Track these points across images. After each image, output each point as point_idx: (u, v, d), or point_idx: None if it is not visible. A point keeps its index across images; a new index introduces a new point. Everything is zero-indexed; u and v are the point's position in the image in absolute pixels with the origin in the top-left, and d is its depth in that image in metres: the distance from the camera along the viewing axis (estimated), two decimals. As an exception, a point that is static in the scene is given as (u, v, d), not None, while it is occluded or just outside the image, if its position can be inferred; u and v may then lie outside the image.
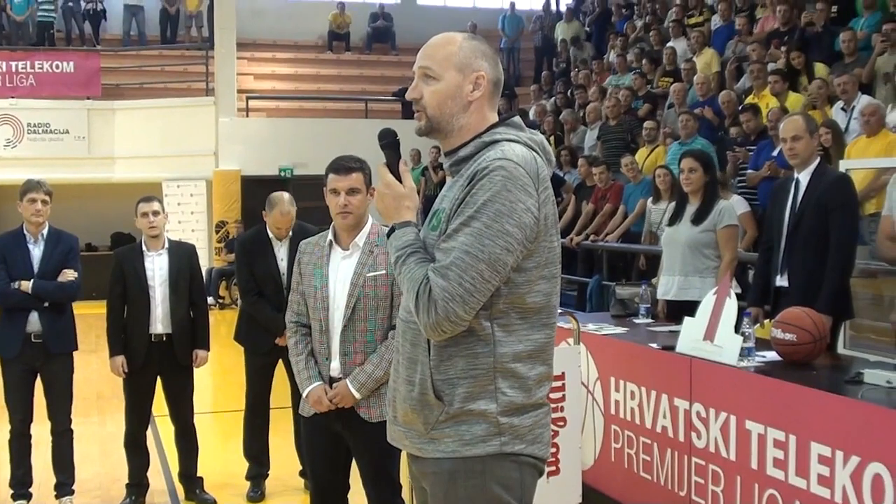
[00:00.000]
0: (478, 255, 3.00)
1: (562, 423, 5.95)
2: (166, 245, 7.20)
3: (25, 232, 6.99)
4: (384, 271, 4.86)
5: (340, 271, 4.98)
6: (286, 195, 7.39)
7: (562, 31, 24.04)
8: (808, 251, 6.44)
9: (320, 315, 4.97)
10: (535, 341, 3.21)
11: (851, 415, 4.61)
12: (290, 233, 7.32)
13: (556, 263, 3.26)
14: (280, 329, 6.95)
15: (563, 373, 5.93)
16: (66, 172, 18.79)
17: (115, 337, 7.16)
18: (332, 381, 4.95)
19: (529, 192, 3.08)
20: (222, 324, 18.46)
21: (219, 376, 12.73)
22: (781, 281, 6.68)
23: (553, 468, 5.89)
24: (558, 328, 5.92)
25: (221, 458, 8.30)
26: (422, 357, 3.21)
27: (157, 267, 7.13)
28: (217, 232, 21.48)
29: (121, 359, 7.07)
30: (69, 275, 6.96)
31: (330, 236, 5.06)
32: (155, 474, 7.58)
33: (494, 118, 3.31)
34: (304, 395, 5.04)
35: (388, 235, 3.27)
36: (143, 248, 7.15)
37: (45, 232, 7.02)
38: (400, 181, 3.31)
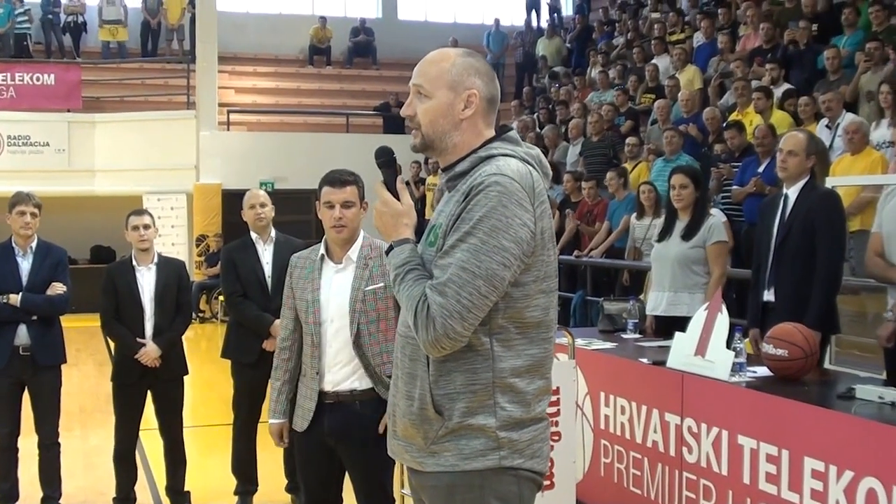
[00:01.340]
0: (475, 271, 3.02)
1: (556, 438, 5.95)
2: (155, 260, 7.18)
3: (14, 245, 6.96)
4: (382, 283, 4.86)
5: (334, 285, 4.98)
6: (258, 189, 7.56)
7: (543, 48, 24.10)
8: (796, 266, 6.47)
9: (312, 329, 4.97)
10: (534, 356, 3.23)
11: (845, 430, 4.63)
12: (273, 235, 7.35)
13: (553, 277, 3.27)
14: (266, 329, 6.96)
15: (558, 387, 5.93)
16: (47, 185, 18.65)
17: (128, 336, 7.06)
18: (322, 394, 4.94)
19: (525, 206, 3.09)
20: (203, 338, 18.46)
21: (200, 390, 12.68)
22: (769, 296, 6.70)
23: (548, 482, 5.88)
24: (551, 343, 5.94)
25: (207, 473, 8.26)
26: (421, 372, 3.22)
27: (146, 282, 7.10)
28: (197, 246, 21.41)
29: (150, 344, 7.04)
30: (58, 288, 6.93)
31: (322, 250, 5.04)
32: (142, 489, 7.52)
33: (490, 133, 3.31)
34: (270, 421, 5.12)
35: (387, 253, 3.28)
36: (134, 262, 7.13)
37: (33, 245, 7.00)
38: (397, 199, 3.32)
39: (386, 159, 3.39)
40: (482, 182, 3.09)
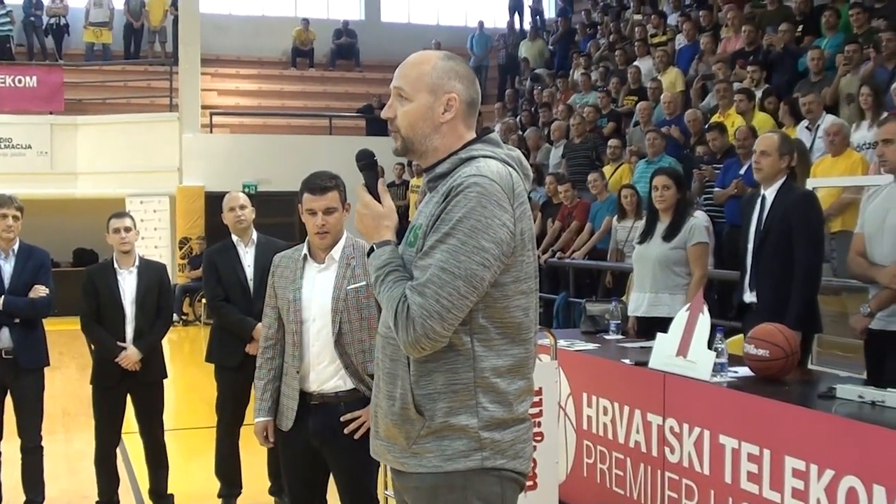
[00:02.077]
0: (454, 271, 3.02)
1: (539, 438, 5.96)
2: (137, 263, 7.17)
3: (-4, 247, 6.95)
4: (364, 282, 4.86)
5: (316, 284, 4.99)
6: (238, 192, 7.55)
7: (525, 50, 24.12)
8: (775, 267, 6.50)
9: (294, 328, 4.97)
10: (515, 356, 3.23)
11: (826, 429, 4.65)
12: (255, 237, 7.35)
13: (533, 278, 3.28)
14: (249, 332, 6.95)
15: (540, 388, 5.95)
16: (29, 188, 18.60)
17: (108, 339, 7.06)
18: (305, 395, 4.95)
19: (504, 207, 3.10)
20: (186, 340, 18.44)
21: (182, 393, 12.68)
22: (750, 297, 6.74)
23: (531, 483, 5.89)
24: (534, 344, 5.95)
25: (189, 476, 8.24)
26: (402, 372, 3.22)
27: (127, 285, 7.09)
28: (181, 248, 21.40)
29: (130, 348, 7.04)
30: (41, 291, 6.91)
31: (305, 250, 5.05)
32: (124, 492, 7.50)
33: (471, 136, 3.32)
34: (255, 419, 5.12)
35: (368, 255, 3.30)
36: (115, 265, 7.12)
37: (15, 247, 6.97)
38: (379, 201, 3.34)
39: (367, 161, 3.41)
40: (462, 183, 3.10)
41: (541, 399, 5.98)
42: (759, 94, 12.91)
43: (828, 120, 10.72)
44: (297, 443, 5.01)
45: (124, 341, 7.04)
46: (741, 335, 6.41)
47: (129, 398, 7.20)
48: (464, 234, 3.04)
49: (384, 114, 3.35)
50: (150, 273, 7.22)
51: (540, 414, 5.98)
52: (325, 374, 4.94)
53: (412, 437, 3.21)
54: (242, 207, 7.29)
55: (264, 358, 5.15)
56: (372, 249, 3.29)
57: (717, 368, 5.52)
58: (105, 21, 25.51)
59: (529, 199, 3.32)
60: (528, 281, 3.24)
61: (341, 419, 4.89)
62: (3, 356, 6.88)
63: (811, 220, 6.52)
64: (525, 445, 3.31)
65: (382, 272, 3.20)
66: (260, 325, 5.40)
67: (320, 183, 4.93)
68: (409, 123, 3.27)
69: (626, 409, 6.21)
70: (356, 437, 4.83)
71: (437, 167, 3.29)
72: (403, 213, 17.26)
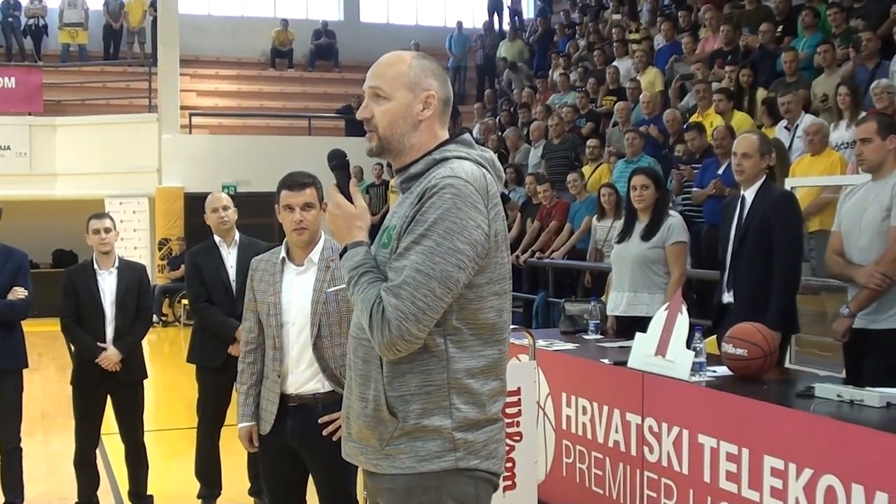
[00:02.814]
0: (429, 272, 3.02)
1: (518, 438, 5.98)
2: (116, 263, 7.15)
3: (-27, 249, 6.92)
4: (344, 285, 4.85)
5: (295, 287, 4.97)
6: (219, 192, 7.56)
7: (505, 50, 24.12)
8: (753, 268, 6.51)
9: (274, 332, 4.96)
10: (489, 357, 3.23)
11: (804, 428, 4.67)
12: (237, 238, 7.34)
13: (507, 279, 3.29)
14: (231, 334, 6.93)
15: (519, 388, 5.96)
16: (7, 189, 18.53)
17: (88, 340, 7.05)
18: (283, 397, 4.94)
19: (479, 208, 3.11)
20: (165, 341, 18.41)
21: (162, 394, 12.64)
22: (728, 297, 6.75)
23: (509, 482, 5.91)
24: (513, 344, 5.97)
25: (169, 477, 8.23)
26: (374, 373, 3.22)
27: (107, 286, 7.08)
28: (160, 249, 21.36)
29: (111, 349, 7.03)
30: (19, 293, 6.87)
31: (283, 253, 5.04)
32: (104, 493, 7.48)
33: (445, 136, 3.33)
34: (239, 424, 5.11)
35: (341, 256, 3.29)
36: (95, 266, 7.10)
37: (-7, 248, 6.96)
38: (351, 201, 3.33)
39: (339, 161, 3.40)
40: (436, 185, 3.10)
41: (519, 399, 5.99)
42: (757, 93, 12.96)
43: (807, 120, 10.76)
44: (276, 445, 5.00)
45: (104, 342, 7.02)
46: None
47: (108, 399, 7.19)
48: (439, 236, 3.04)
49: (360, 114, 3.33)
50: (130, 274, 7.21)
51: (518, 414, 6.00)
52: (303, 376, 4.93)
53: (385, 439, 3.21)
54: (225, 208, 7.28)
55: (246, 363, 5.14)
56: (345, 250, 3.29)
57: (696, 368, 5.53)
58: (80, 22, 25.43)
59: (509, 199, 3.33)
60: (501, 282, 3.25)
61: (319, 421, 4.89)
62: (-18, 359, 6.85)
63: (791, 221, 6.53)
64: (498, 445, 3.32)
65: (356, 273, 3.19)
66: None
67: (298, 179, 4.95)
68: (389, 122, 3.27)
69: (605, 408, 6.22)
70: (334, 438, 4.83)
71: (410, 168, 3.29)
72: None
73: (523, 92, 20.31)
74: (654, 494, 5.71)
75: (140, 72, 23.99)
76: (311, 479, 5.09)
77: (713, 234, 9.48)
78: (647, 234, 7.49)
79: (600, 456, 6.29)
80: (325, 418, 4.88)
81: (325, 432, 4.86)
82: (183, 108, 23.15)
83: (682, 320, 5.65)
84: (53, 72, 24.11)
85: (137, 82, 23.76)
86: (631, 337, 6.25)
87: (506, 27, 26.66)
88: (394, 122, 3.27)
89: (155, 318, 18.22)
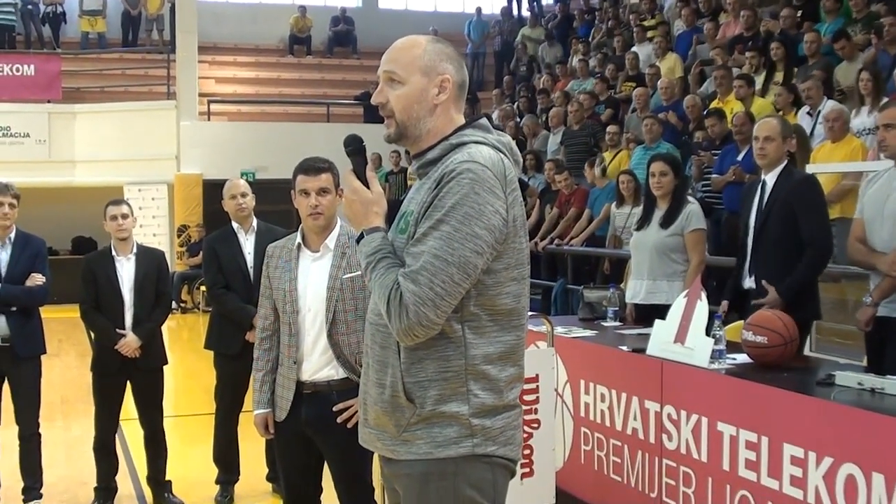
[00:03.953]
0: (448, 258, 3.00)
1: (536, 425, 5.96)
2: (134, 250, 7.16)
3: (-8, 236, 6.93)
4: (360, 272, 4.84)
5: (311, 274, 4.97)
6: (238, 179, 7.58)
7: (524, 37, 24.05)
8: (775, 252, 6.46)
9: (289, 318, 4.96)
10: (506, 343, 3.21)
11: (824, 416, 4.63)
12: (255, 224, 7.37)
13: (525, 265, 3.26)
14: (248, 320, 6.93)
15: (537, 375, 5.93)
16: (27, 176, 18.56)
17: (107, 326, 7.06)
18: (299, 384, 4.94)
19: (497, 194, 3.08)
20: (184, 328, 18.45)
21: (181, 380, 12.69)
22: (750, 283, 6.70)
23: (527, 469, 5.89)
24: (532, 331, 5.95)
25: (188, 462, 8.25)
26: (392, 360, 3.20)
27: (125, 272, 7.09)
28: (179, 236, 21.43)
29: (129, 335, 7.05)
30: (37, 279, 6.90)
31: (298, 239, 5.03)
32: (123, 478, 7.52)
33: (461, 120, 3.31)
34: (254, 412, 5.12)
35: (358, 241, 3.27)
36: (113, 252, 7.11)
37: (12, 235, 6.96)
38: (367, 187, 3.31)
39: (355, 147, 3.36)
40: (454, 169, 3.07)
41: (537, 386, 5.97)
42: (759, 80, 12.87)
43: (828, 105, 10.67)
44: (291, 432, 5.01)
45: (123, 328, 7.04)
46: (740, 322, 6.39)
47: (128, 385, 7.20)
48: (457, 221, 3.02)
49: (375, 99, 3.31)
50: (149, 260, 7.22)
51: (537, 401, 5.97)
52: (318, 363, 4.93)
53: (402, 425, 3.19)
54: (244, 195, 7.29)
55: (262, 349, 5.14)
56: (362, 236, 3.27)
57: (715, 355, 5.50)
58: (98, 9, 25.47)
59: (528, 185, 3.30)
60: (519, 268, 3.22)
61: (334, 408, 4.88)
62: (1, 345, 6.87)
63: (817, 202, 6.49)
64: (515, 432, 3.30)
65: (374, 259, 3.17)
66: (259, 313, 5.39)
67: (314, 164, 4.96)
68: (404, 107, 3.24)
69: (624, 395, 6.19)
70: (349, 425, 4.82)
71: (427, 153, 3.27)
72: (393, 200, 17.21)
73: (542, 79, 20.23)
74: (673, 482, 5.68)
75: (159, 59, 24.05)
76: (326, 465, 5.09)
77: (733, 221, 9.43)
78: (666, 222, 7.44)
79: (619, 443, 6.26)
80: (340, 405, 4.87)
81: (339, 419, 4.85)
82: (201, 95, 23.21)
83: (702, 307, 5.62)
84: (72, 59, 24.17)
85: (156, 69, 23.82)
86: (650, 324, 6.21)
87: (525, 13, 26.58)
88: (409, 107, 3.24)
89: (174, 304, 18.26)
